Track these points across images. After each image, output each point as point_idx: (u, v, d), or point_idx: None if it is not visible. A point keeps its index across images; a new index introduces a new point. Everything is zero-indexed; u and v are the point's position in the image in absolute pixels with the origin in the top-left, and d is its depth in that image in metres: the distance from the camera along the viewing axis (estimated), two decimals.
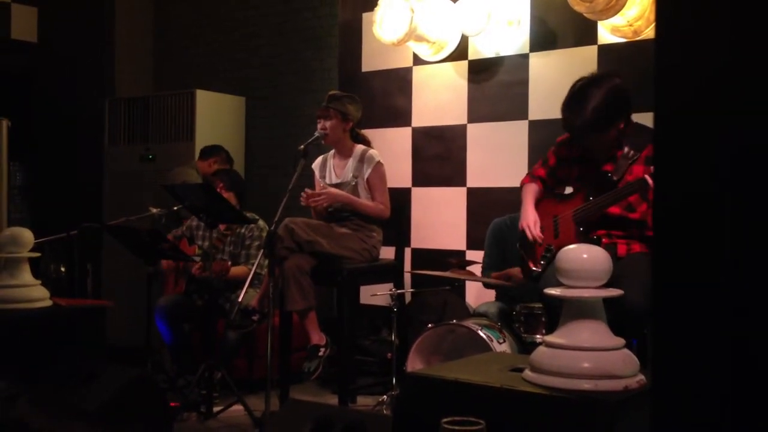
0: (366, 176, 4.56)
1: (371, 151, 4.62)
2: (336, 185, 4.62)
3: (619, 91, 3.48)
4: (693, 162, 1.07)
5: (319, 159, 4.82)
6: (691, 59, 1.06)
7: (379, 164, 4.58)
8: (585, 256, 2.51)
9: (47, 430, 0.83)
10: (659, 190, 1.10)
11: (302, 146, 4.33)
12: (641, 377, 2.45)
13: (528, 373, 2.52)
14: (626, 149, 3.54)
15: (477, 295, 5.16)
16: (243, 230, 5.22)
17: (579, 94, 3.47)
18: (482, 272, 4.72)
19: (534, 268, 3.70)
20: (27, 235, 4.38)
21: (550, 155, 3.86)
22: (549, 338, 2.55)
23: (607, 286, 2.52)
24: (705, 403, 1.08)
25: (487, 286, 4.76)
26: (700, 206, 1.07)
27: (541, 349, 2.55)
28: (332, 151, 4.75)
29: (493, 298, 4.71)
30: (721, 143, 1.06)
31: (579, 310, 2.50)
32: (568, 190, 3.85)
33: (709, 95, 1.07)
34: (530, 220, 3.72)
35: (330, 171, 4.71)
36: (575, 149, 3.72)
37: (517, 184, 4.86)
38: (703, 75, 1.07)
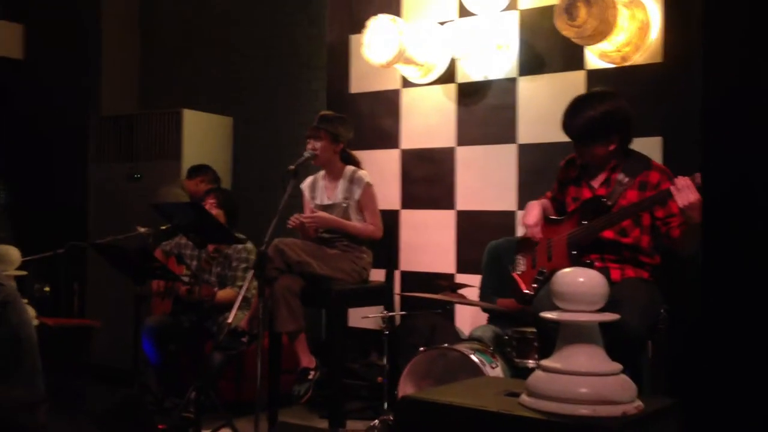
0: (356, 197, 4.56)
1: (360, 172, 4.62)
2: (327, 207, 4.62)
3: (620, 112, 3.58)
4: (743, 172, 1.08)
5: (309, 179, 4.81)
6: (741, 67, 1.07)
7: (368, 185, 4.59)
8: (581, 279, 2.52)
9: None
10: (709, 199, 1.10)
11: (293, 166, 4.32)
12: (639, 403, 2.46)
13: (524, 398, 2.51)
14: (621, 175, 3.59)
15: (467, 318, 5.16)
16: (230, 251, 5.19)
17: (581, 102, 3.60)
18: (481, 296, 4.71)
19: (526, 291, 3.71)
20: (14, 253, 4.37)
21: (555, 182, 3.90)
22: (545, 362, 2.54)
23: (602, 310, 2.52)
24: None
25: (485, 310, 4.75)
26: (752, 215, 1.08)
27: (538, 373, 2.54)
28: (322, 172, 4.74)
29: (485, 320, 4.70)
30: None
31: (575, 334, 2.50)
32: None
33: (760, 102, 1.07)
34: (531, 220, 3.73)
35: (321, 192, 4.71)
36: (572, 169, 3.77)
37: (506, 208, 4.90)
38: (753, 80, 1.08)
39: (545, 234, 3.75)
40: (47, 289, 6.06)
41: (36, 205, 7.15)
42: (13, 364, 2.71)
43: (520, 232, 4.66)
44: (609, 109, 3.54)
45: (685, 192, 3.25)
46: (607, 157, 3.60)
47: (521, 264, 3.88)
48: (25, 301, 4.35)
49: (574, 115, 3.55)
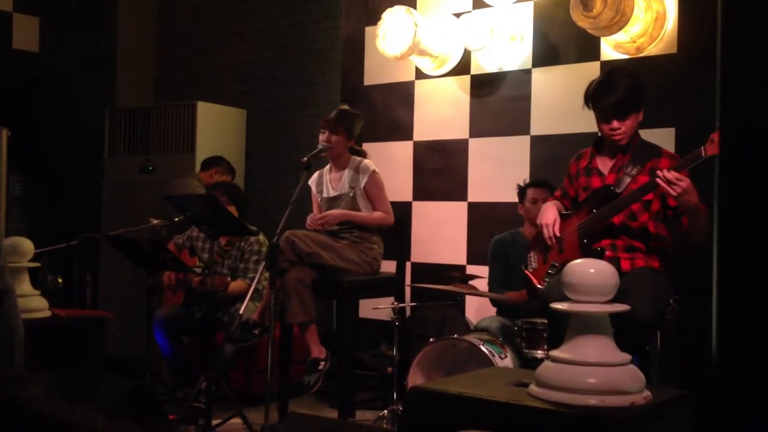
0: (363, 186, 4.54)
1: (365, 161, 4.61)
2: (334, 198, 4.60)
3: (640, 79, 3.63)
4: (760, 162, 1.06)
5: (315, 175, 4.78)
6: (759, 59, 1.06)
7: (374, 173, 4.56)
8: (592, 270, 2.50)
9: (61, 417, 0.82)
10: (725, 190, 1.09)
11: (305, 158, 4.32)
12: (647, 393, 2.44)
13: (533, 388, 2.50)
14: (629, 167, 3.56)
15: (477, 309, 5.14)
16: (243, 244, 5.19)
17: (608, 78, 3.61)
18: (489, 289, 4.70)
19: (539, 286, 3.69)
20: (27, 245, 4.37)
21: (565, 178, 3.88)
22: (554, 353, 2.53)
23: (612, 300, 2.51)
24: None
25: (493, 303, 4.73)
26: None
27: (547, 363, 2.53)
28: (328, 165, 4.73)
29: (494, 313, 4.69)
30: None
31: (585, 324, 2.49)
32: None
33: None
34: (549, 219, 3.71)
35: (327, 185, 4.69)
36: (582, 160, 3.75)
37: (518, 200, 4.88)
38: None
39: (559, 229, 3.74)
40: (60, 280, 6.09)
41: (50, 196, 7.19)
42: (9, 355, 2.75)
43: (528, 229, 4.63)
44: (634, 78, 3.59)
45: (674, 184, 3.28)
46: (636, 130, 3.60)
47: (533, 261, 3.87)
48: (38, 292, 4.40)
49: (613, 87, 3.53)
